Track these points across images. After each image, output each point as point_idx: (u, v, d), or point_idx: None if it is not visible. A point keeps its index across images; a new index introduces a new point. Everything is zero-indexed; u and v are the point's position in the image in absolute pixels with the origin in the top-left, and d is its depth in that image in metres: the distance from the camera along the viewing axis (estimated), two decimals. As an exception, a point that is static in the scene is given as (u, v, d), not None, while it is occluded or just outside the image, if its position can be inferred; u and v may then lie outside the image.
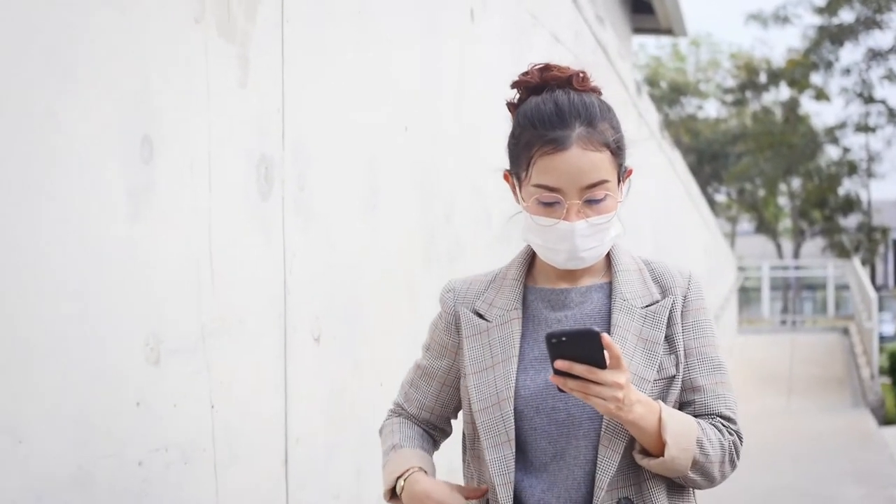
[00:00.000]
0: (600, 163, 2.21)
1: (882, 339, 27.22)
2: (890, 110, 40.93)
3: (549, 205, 2.22)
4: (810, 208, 44.83)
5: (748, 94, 44.95)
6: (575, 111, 2.22)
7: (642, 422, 2.14)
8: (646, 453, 2.21)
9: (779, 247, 48.37)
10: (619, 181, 2.29)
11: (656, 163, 12.10)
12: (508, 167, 2.34)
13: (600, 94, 2.32)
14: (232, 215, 2.73)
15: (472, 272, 2.50)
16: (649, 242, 11.02)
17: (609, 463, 2.21)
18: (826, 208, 43.91)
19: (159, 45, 2.45)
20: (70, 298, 2.16)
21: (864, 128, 41.71)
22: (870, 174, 43.43)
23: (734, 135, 44.55)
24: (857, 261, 31.69)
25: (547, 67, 2.30)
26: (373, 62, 3.59)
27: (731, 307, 26.29)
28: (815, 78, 41.65)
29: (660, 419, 2.16)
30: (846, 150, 43.49)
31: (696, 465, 2.21)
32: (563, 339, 2.05)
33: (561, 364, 2.06)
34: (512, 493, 2.24)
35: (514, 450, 2.25)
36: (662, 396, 2.26)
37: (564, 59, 6.35)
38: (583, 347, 2.05)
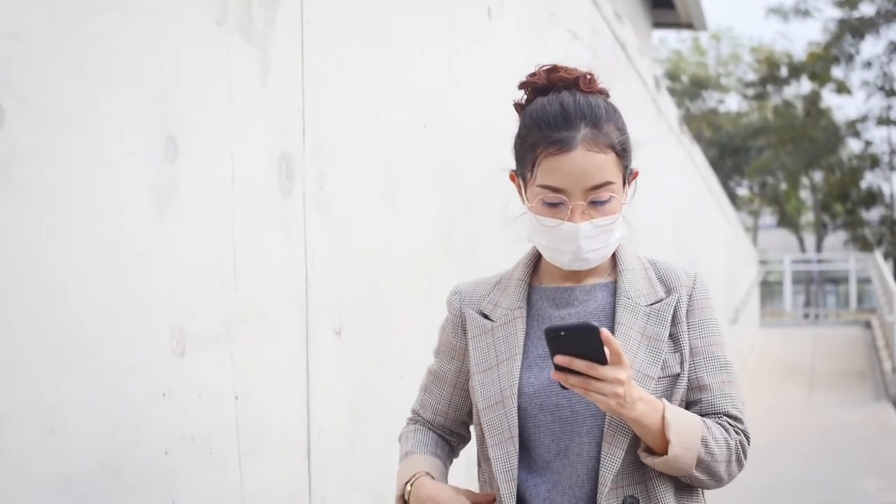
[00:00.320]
0: (605, 164, 2.19)
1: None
2: (911, 103, 40.74)
3: (553, 205, 2.21)
4: (832, 202, 44.48)
5: (769, 87, 44.63)
6: (580, 112, 2.20)
7: (645, 419, 2.12)
8: (650, 452, 2.19)
9: (801, 240, 48.07)
10: (624, 183, 2.26)
11: (676, 158, 12.07)
12: (514, 167, 2.33)
13: (608, 96, 2.31)
14: (254, 212, 2.76)
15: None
16: (669, 238, 11.00)
17: (613, 459, 2.19)
18: (848, 202, 43.55)
19: (183, 48, 2.48)
20: (99, 294, 2.20)
21: (885, 121, 41.36)
22: (892, 167, 43.05)
23: (755, 129, 44.24)
24: (879, 254, 31.47)
25: (554, 69, 2.29)
26: (391, 61, 3.61)
27: (752, 301, 26.17)
28: (837, 71, 41.39)
29: (663, 417, 2.14)
30: (868, 143, 43.13)
31: (701, 464, 2.18)
32: (563, 333, 2.03)
33: (561, 359, 2.05)
34: (515, 490, 2.23)
35: (517, 446, 2.23)
36: (667, 395, 2.24)
37: (582, 55, 6.41)
38: (582, 343, 2.04)
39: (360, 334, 3.36)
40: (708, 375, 2.27)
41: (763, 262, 34.36)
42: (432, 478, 2.35)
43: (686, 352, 2.27)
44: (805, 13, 40.13)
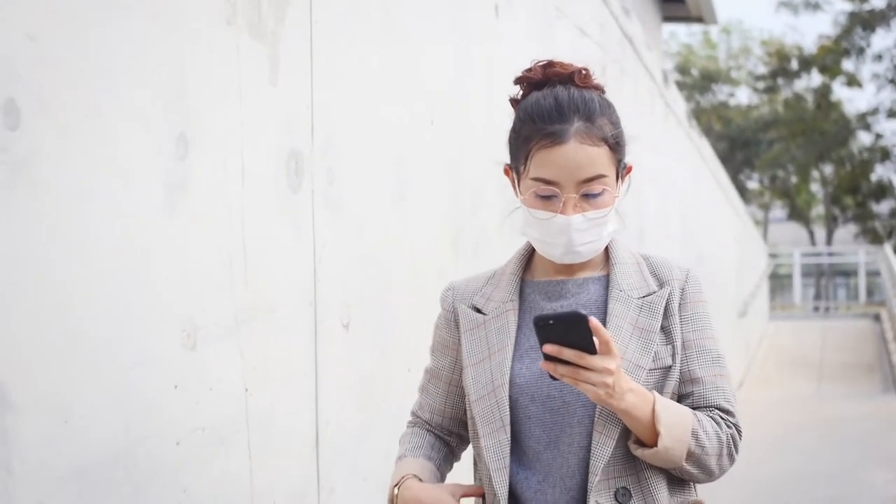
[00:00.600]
0: (598, 157, 2.19)
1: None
2: (923, 96, 40.63)
3: (546, 198, 2.21)
4: (842, 194, 44.38)
5: (780, 80, 44.49)
6: (574, 106, 2.21)
7: (635, 411, 2.11)
8: (640, 443, 2.18)
9: (811, 233, 47.96)
10: (617, 177, 2.26)
11: (685, 152, 12.07)
12: (509, 161, 2.34)
13: (603, 91, 2.31)
14: (264, 208, 2.78)
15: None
16: (678, 232, 11.01)
17: (603, 449, 2.17)
18: (858, 194, 43.44)
19: (194, 47, 2.51)
20: (113, 289, 2.22)
21: (896, 114, 41.40)
22: (902, 160, 43.08)
23: (766, 122, 44.10)
24: (889, 247, 31.43)
25: (550, 64, 2.30)
26: (399, 59, 3.63)
27: (762, 294, 26.14)
28: (847, 64, 41.31)
29: (653, 409, 2.13)
30: (878, 136, 43.01)
31: (691, 457, 2.17)
32: (551, 322, 2.02)
33: (550, 348, 2.04)
34: (507, 479, 2.22)
35: (509, 436, 2.23)
36: (659, 387, 2.23)
37: (590, 52, 6.44)
38: (572, 332, 2.03)
39: (368, 328, 3.38)
40: (700, 368, 2.27)
41: (773, 256, 34.32)
42: (420, 480, 2.34)
43: (678, 344, 2.26)
44: (815, 6, 40.07)
